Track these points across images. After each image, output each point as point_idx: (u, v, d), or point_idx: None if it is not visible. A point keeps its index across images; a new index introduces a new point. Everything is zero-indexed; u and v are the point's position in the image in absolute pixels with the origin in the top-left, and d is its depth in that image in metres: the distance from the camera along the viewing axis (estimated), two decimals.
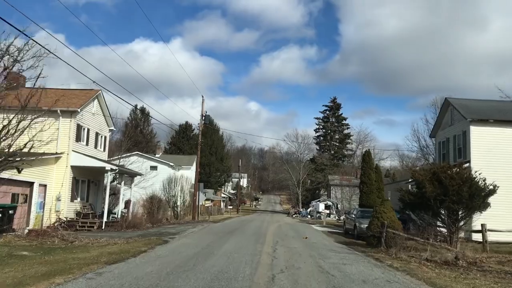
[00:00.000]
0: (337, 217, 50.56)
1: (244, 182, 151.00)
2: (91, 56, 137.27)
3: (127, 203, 28.76)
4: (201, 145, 33.75)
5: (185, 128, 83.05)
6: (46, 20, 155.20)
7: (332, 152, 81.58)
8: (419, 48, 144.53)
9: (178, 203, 36.94)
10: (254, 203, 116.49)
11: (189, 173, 55.79)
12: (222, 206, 76.32)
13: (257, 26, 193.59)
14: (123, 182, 28.50)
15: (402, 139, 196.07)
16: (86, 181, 25.69)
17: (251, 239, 17.98)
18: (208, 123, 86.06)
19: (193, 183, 58.41)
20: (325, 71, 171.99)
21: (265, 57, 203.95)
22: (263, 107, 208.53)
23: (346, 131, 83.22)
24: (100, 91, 26.32)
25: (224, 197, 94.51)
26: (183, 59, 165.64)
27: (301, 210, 67.12)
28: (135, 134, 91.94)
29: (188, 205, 43.11)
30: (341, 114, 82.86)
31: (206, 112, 34.01)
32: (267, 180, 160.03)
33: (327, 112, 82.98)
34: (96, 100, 26.56)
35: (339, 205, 66.91)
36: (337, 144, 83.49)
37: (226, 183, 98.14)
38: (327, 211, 44.54)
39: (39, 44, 12.73)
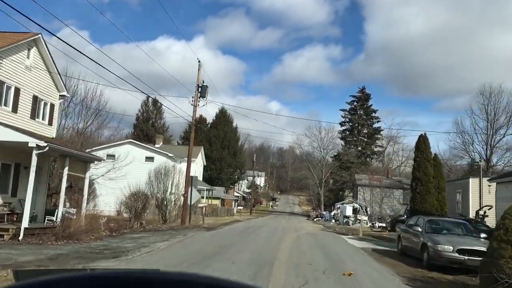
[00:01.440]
0: (369, 224, 41.36)
1: (261, 181, 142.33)
2: (114, 53, 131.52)
3: (77, 200, 20.18)
4: (198, 126, 25.18)
5: (199, 122, 74.71)
6: (70, 18, 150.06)
7: (360, 148, 72.11)
8: (445, 48, 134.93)
9: (169, 202, 28.40)
10: (271, 203, 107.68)
11: (192, 167, 47.39)
12: (233, 206, 67.77)
13: (281, 24, 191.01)
14: (88, 173, 20.13)
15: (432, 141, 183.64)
16: (11, 165, 17.34)
17: (241, 277, 9.22)
18: (220, 113, 78.00)
19: (199, 179, 50.04)
20: (348, 71, 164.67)
21: (288, 56, 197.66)
22: (284, 107, 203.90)
23: (376, 125, 73.69)
24: (39, 35, 17.94)
25: (237, 196, 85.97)
26: (205, 58, 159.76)
27: (324, 213, 58.02)
28: (146, 128, 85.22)
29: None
30: (371, 105, 73.43)
31: (203, 82, 25.31)
32: (286, 180, 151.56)
33: (355, 103, 73.61)
34: (34, 48, 18.17)
35: (368, 209, 57.61)
36: (365, 139, 73.99)
37: (240, 181, 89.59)
38: (364, 218, 35.35)
39: (64, 42, 8.90)
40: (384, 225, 34.33)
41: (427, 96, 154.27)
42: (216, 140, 71.00)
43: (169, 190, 27.41)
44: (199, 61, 25.36)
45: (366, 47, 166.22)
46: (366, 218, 31.86)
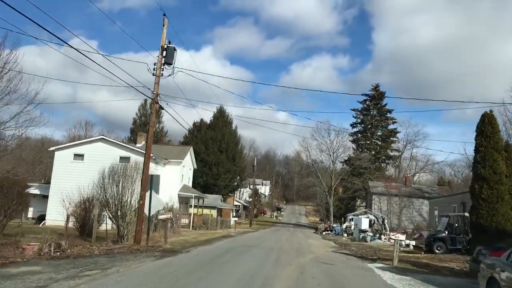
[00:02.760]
0: (384, 239, 33.58)
1: (266, 190, 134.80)
2: (123, 62, 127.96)
3: None
4: (158, 104, 17.87)
5: (199, 126, 67.60)
6: (79, 28, 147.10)
7: (373, 152, 64.41)
8: (455, 58, 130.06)
9: (128, 211, 20.85)
10: (275, 213, 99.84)
11: (177, 170, 40.04)
12: (231, 217, 60.19)
13: (290, 34, 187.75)
14: None
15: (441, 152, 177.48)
16: None
17: None
18: (218, 112, 70.75)
19: (184, 183, 42.62)
20: (356, 81, 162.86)
21: (296, 65, 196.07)
22: (291, 116, 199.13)
23: (391, 127, 65.97)
24: None
25: (237, 205, 78.37)
26: (214, 68, 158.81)
27: (334, 225, 50.24)
28: (144, 132, 78.72)
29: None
30: (385, 105, 65.82)
31: (169, 43, 17.93)
32: (292, 189, 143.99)
33: (367, 102, 66.03)
34: None
35: (385, 220, 49.80)
36: (380, 143, 66.33)
37: (241, 189, 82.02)
38: (401, 237, 27.16)
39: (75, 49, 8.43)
40: (413, 243, 26.59)
41: (436, 106, 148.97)
42: (212, 142, 63.72)
43: (127, 197, 19.90)
44: (164, 15, 18.01)
45: (374, 57, 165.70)
46: (402, 237, 23.73)
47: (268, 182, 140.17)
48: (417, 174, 64.49)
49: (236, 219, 50.24)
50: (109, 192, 20.59)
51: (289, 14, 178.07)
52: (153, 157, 36.20)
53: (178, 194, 39.45)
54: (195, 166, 46.23)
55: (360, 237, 33.34)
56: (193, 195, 40.25)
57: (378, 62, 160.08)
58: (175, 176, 39.52)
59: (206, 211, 57.51)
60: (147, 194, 17.72)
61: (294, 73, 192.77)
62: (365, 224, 38.45)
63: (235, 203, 75.55)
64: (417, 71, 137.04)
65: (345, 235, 44.98)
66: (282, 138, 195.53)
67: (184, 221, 39.97)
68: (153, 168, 37.52)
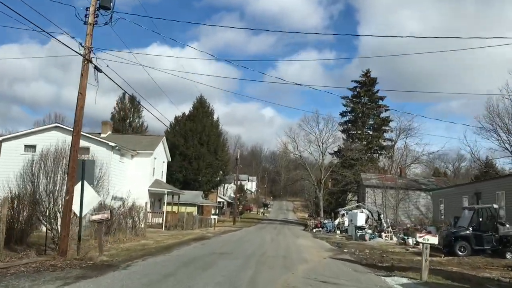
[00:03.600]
0: (386, 236, 29.14)
1: (252, 186, 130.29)
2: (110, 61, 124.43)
3: None
4: (93, 64, 12.90)
5: (181, 120, 62.45)
6: (64, 25, 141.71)
7: (365, 142, 59.99)
8: (440, 53, 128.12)
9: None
10: (262, 210, 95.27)
11: (147, 163, 35.09)
12: (215, 215, 55.42)
13: (276, 29, 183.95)
14: None
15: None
16: None
17: None
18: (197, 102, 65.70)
19: (156, 178, 37.67)
20: (342, 76, 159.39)
21: (282, 61, 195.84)
22: (278, 113, 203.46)
23: (383, 115, 61.66)
24: None
25: (221, 202, 73.57)
26: (199, 65, 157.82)
27: (325, 221, 45.73)
28: (123, 128, 74.08)
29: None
30: (377, 91, 61.40)
31: None
32: (279, 184, 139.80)
33: (358, 89, 61.58)
34: None
35: (382, 215, 45.48)
36: (371, 132, 61.98)
37: (224, 184, 77.18)
38: (424, 238, 22.95)
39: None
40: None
41: (421, 101, 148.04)
42: (192, 134, 58.77)
43: (59, 191, 14.97)
44: None
45: (360, 52, 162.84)
46: (433, 239, 19.34)
47: (255, 178, 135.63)
48: (409, 167, 60.30)
49: (215, 217, 45.46)
50: (41, 186, 15.84)
51: (275, 9, 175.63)
52: (117, 148, 31.30)
53: (149, 190, 34.56)
54: (169, 159, 41.26)
55: (358, 235, 28.82)
56: (166, 190, 35.35)
57: (364, 58, 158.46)
58: (145, 170, 34.63)
59: (185, 209, 52.74)
60: (78, 186, 12.85)
61: (280, 69, 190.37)
62: (361, 220, 33.99)
63: (219, 199, 70.75)
64: (402, 66, 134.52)
65: (338, 232, 40.58)
66: (269, 134, 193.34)
67: (156, 220, 35.13)
68: (118, 161, 32.60)
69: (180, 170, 57.87)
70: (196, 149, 58.16)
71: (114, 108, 75.12)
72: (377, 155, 61.68)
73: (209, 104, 63.75)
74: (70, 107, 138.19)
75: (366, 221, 36.83)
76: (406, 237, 24.59)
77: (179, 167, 57.85)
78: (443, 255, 17.41)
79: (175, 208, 49.22)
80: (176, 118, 62.71)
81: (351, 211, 44.79)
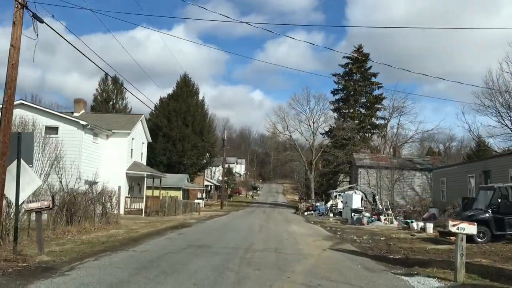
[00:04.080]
0: (385, 220, 26.69)
1: (241, 169, 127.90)
2: (93, 44, 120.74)
3: None
4: (30, 12, 9.73)
5: (166, 100, 59.16)
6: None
7: (357, 121, 57.50)
8: (427, 33, 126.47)
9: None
10: (251, 193, 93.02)
11: (124, 144, 32.18)
12: (200, 200, 52.83)
13: (264, 10, 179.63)
14: None
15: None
16: None
17: None
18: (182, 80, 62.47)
19: (135, 160, 34.80)
20: (331, 58, 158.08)
21: (271, 43, 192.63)
22: (266, 96, 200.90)
23: (376, 92, 59.11)
24: None
25: (208, 185, 71.01)
26: (186, 47, 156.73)
27: (317, 204, 43.37)
28: (106, 110, 70.75)
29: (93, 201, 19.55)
30: (369, 68, 58.71)
31: None
32: (268, 166, 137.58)
33: (350, 66, 58.80)
34: None
35: (376, 196, 43.27)
36: (364, 111, 59.47)
37: (211, 167, 74.51)
38: (460, 227, 20.64)
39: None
40: (431, 226, 19.63)
41: (409, 81, 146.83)
42: (176, 115, 55.72)
43: None
44: None
45: (348, 33, 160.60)
46: (471, 228, 16.78)
47: (243, 160, 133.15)
48: (402, 146, 58.08)
49: (200, 201, 42.77)
50: None
51: None
52: (89, 127, 28.30)
53: (127, 173, 31.73)
54: (150, 140, 38.33)
55: (354, 219, 26.40)
56: (145, 173, 32.53)
57: (352, 38, 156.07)
58: (121, 151, 31.73)
59: (169, 192, 50.13)
60: (12, 166, 10.01)
61: (268, 51, 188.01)
62: (357, 202, 31.65)
63: (206, 183, 68.15)
64: (391, 47, 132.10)
65: (331, 215, 38.29)
66: (258, 118, 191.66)
67: (136, 206, 32.43)
68: (91, 141, 29.63)
69: (164, 153, 55.00)
70: (180, 130, 55.20)
71: (96, 89, 71.85)
72: (370, 134, 59.34)
73: (194, 82, 60.61)
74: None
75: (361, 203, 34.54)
76: (410, 221, 22.17)
77: (163, 149, 54.97)
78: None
79: (158, 193, 46.55)
80: (161, 99, 59.55)
81: (344, 192, 42.55)
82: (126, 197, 32.15)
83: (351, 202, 31.45)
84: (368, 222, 25.47)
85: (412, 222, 21.64)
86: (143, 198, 32.29)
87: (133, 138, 33.16)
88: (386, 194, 44.77)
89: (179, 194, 48.98)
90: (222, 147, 53.04)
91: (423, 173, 49.42)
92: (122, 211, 31.23)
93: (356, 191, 43.46)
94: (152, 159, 55.74)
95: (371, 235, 18.82)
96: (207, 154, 59.88)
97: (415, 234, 19.25)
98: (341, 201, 40.08)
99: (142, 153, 36.22)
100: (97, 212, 20.14)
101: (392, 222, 24.92)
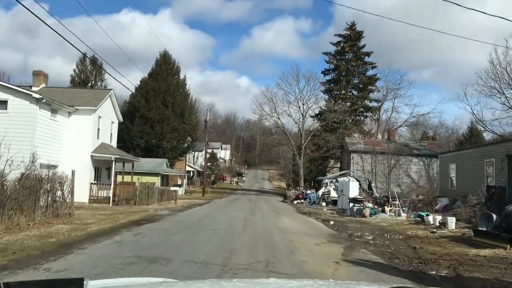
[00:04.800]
0: (404, 214, 22.89)
1: (226, 155, 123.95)
2: (76, 27, 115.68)
3: None
4: None
5: (146, 82, 54.46)
6: None
7: (349, 103, 53.80)
8: (415, 21, 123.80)
9: None
10: (236, 179, 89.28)
11: (89, 122, 27.91)
12: (177, 187, 48.84)
13: None
14: None
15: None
16: None
17: None
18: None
19: (102, 141, 30.55)
20: (318, 45, 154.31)
21: (257, 28, 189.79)
22: (253, 82, 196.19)
23: (369, 73, 55.39)
24: None
25: (190, 171, 67.02)
26: (172, 32, 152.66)
27: (308, 192, 39.71)
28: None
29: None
30: (363, 46, 54.89)
31: None
32: (254, 152, 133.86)
33: (342, 44, 54.86)
34: None
35: (373, 184, 39.83)
36: (356, 93, 55.78)
37: (194, 152, 70.44)
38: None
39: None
40: (453, 220, 16.01)
41: (396, 69, 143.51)
42: (155, 94, 51.36)
43: None
44: None
45: (335, 19, 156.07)
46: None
47: (228, 146, 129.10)
48: (396, 130, 54.64)
49: (177, 188, 38.42)
50: None
51: None
52: (44, 101, 23.93)
53: (92, 155, 27.57)
54: (121, 119, 34.10)
55: (354, 210, 22.73)
56: (114, 157, 28.34)
57: (339, 25, 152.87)
58: (86, 131, 27.50)
59: (146, 179, 46.13)
60: None
61: (255, 36, 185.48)
62: (354, 190, 28.04)
63: (188, 168, 64.12)
64: (378, 33, 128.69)
65: (324, 204, 34.72)
66: (244, 105, 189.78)
67: (104, 193, 28.36)
68: (49, 118, 25.25)
69: (142, 135, 50.75)
70: (159, 111, 50.89)
71: (74, 70, 67.19)
72: (363, 117, 55.74)
73: (174, 60, 56.12)
74: None
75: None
76: (424, 213, 18.57)
77: (140, 132, 50.71)
78: (508, 246, 11.31)
79: (133, 179, 42.49)
80: (141, 80, 54.93)
81: (337, 179, 39.07)
82: (92, 183, 28.06)
83: (348, 190, 27.80)
84: (370, 214, 21.84)
85: (427, 215, 18.00)
86: (110, 185, 28.22)
87: (100, 116, 28.88)
88: (381, 182, 41.39)
89: (157, 180, 45.05)
90: (204, 129, 48.86)
91: (420, 159, 46.17)
92: (86, 200, 27.18)
93: (349, 177, 40.03)
94: (129, 142, 51.46)
95: (381, 232, 15.18)
96: (189, 138, 55.70)
97: (435, 230, 15.63)
98: (334, 189, 36.58)
99: (111, 134, 31.95)
100: (43, 203, 16.10)
101: (399, 215, 21.32)
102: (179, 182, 48.56)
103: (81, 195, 24.50)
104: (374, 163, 43.52)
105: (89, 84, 71.00)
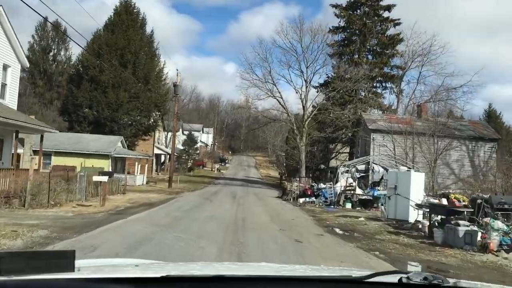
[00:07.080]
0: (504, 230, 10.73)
1: (208, 139, 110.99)
2: None
3: None
4: None
5: (99, 35, 41.15)
6: None
7: (364, 69, 41.29)
8: (403, 10, 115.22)
9: None
10: (218, 166, 76.74)
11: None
12: (138, 172, 36.22)
13: None
14: None
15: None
16: None
17: None
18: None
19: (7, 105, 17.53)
20: (307, 31, 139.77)
21: (246, 13, 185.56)
22: (240, 69, 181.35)
23: (390, 32, 43.00)
24: None
25: (159, 154, 54.34)
26: (159, 16, 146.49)
27: (321, 186, 27.15)
28: (44, 62, 56.31)
29: None
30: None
31: None
32: (239, 139, 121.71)
33: None
34: None
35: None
36: (372, 58, 43.44)
37: (166, 132, 57.55)
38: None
39: None
40: None
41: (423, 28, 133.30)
42: (110, 51, 38.27)
43: None
44: None
45: (324, 6, 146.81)
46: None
47: (211, 130, 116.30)
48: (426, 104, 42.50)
49: (103, 178, 25.71)
50: None
51: None
52: None
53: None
54: (26, 64, 20.86)
55: (460, 235, 10.47)
56: (7, 120, 15.44)
57: (329, 12, 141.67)
58: None
59: (91, 162, 33.47)
60: None
61: (243, 21, 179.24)
62: (418, 189, 15.83)
63: (156, 151, 51.37)
64: None
65: (349, 205, 22.51)
66: (230, 91, 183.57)
67: None
68: None
69: (90, 104, 37.89)
70: (115, 73, 37.91)
71: (33, 36, 55.50)
72: (381, 89, 43.58)
73: (139, 9, 43.03)
74: None
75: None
76: None
77: (88, 100, 37.83)
78: None
79: (65, 160, 30.21)
80: (94, 33, 41.76)
81: (356, 168, 27.32)
82: None
83: (408, 187, 15.59)
84: (501, 245, 9.60)
85: None
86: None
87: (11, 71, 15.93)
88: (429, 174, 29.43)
89: (106, 165, 32.53)
90: (173, 96, 35.99)
91: (463, 143, 34.48)
92: None
93: (373, 165, 28.28)
94: (73, 113, 38.53)
95: None
96: (156, 112, 42.91)
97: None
98: (361, 182, 24.53)
99: (5, 85, 19.01)
100: None
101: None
102: (137, 167, 35.81)
103: None
104: (406, 148, 31.52)
105: (51, 53, 59.54)
